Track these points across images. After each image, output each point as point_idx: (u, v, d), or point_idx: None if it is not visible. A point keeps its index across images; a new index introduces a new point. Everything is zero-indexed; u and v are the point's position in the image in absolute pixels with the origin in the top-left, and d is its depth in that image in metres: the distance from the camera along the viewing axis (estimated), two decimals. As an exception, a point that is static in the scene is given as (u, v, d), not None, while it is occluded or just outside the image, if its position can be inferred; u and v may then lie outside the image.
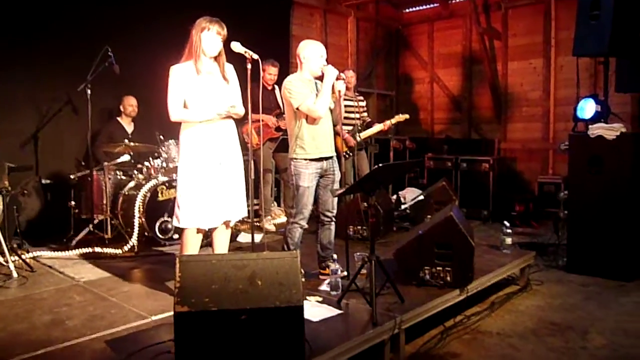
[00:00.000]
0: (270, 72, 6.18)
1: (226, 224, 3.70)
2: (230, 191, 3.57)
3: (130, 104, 5.98)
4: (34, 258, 4.73)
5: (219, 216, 3.56)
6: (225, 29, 3.52)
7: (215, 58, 3.58)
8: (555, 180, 7.63)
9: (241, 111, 3.58)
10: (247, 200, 3.68)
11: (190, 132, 3.53)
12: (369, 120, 6.48)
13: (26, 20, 5.48)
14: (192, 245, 3.59)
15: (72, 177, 5.47)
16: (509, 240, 4.70)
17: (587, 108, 5.04)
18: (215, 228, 3.67)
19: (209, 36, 3.47)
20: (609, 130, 4.67)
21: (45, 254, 4.91)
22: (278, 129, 6.17)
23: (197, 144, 3.50)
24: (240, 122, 6.18)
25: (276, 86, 6.27)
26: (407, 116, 6.29)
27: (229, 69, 3.66)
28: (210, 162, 3.50)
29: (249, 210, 3.79)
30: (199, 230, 3.59)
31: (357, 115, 6.20)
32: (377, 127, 6.20)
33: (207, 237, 3.76)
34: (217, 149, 3.54)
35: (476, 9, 8.44)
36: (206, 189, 3.49)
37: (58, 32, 5.64)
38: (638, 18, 4.92)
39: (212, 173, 3.50)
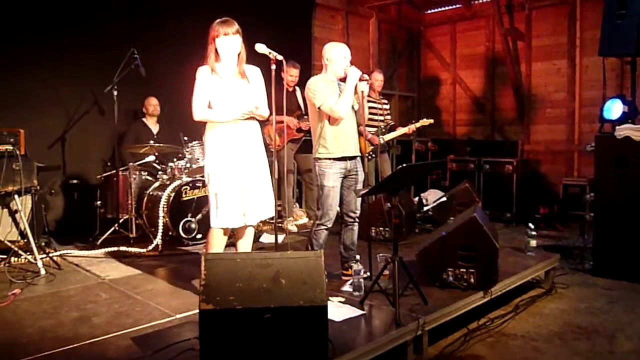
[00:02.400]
0: (291, 74, 6.20)
1: (252, 225, 3.72)
2: (256, 191, 3.59)
3: (151, 103, 6.08)
4: (61, 256, 4.82)
5: (246, 216, 3.57)
6: (236, 25, 3.51)
7: (237, 56, 3.59)
8: (580, 182, 7.52)
9: (265, 112, 3.60)
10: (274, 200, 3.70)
11: (215, 133, 3.56)
12: (392, 123, 6.47)
13: (54, 22, 5.59)
14: (218, 244, 3.62)
15: (98, 177, 5.57)
16: (533, 243, 4.64)
17: (614, 109, 4.96)
18: (240, 228, 3.69)
19: (222, 41, 3.48)
20: (636, 131, 4.59)
21: (72, 252, 5.01)
22: (299, 130, 6.20)
23: (222, 144, 3.53)
24: (262, 123, 6.24)
25: (297, 88, 6.30)
26: (431, 121, 6.26)
27: (254, 70, 3.67)
28: (235, 162, 3.52)
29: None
30: (225, 231, 3.62)
31: (381, 118, 6.20)
32: (401, 131, 6.20)
33: (231, 237, 3.78)
34: (242, 149, 3.56)
35: (499, 9, 8.37)
36: (233, 189, 3.51)
37: (84, 34, 5.75)
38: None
39: (237, 173, 3.52)
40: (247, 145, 3.60)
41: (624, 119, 4.88)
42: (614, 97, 5.07)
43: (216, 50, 3.51)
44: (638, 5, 4.57)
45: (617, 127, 4.76)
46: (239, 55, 3.58)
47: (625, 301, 4.16)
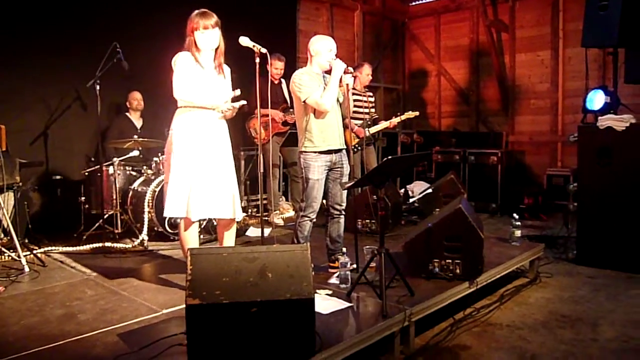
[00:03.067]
0: (276, 67, 6.18)
1: (232, 220, 3.69)
2: (222, 186, 3.55)
3: (135, 98, 6.02)
4: (45, 253, 4.78)
5: (209, 209, 3.52)
6: (215, 17, 3.46)
7: (215, 50, 3.55)
8: (564, 172, 7.61)
9: (232, 112, 3.57)
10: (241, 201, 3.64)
11: (183, 119, 3.50)
12: (377, 116, 6.47)
13: (34, 17, 5.51)
14: (191, 237, 3.58)
15: (82, 172, 5.51)
16: (518, 233, 4.69)
17: (597, 99, 5.02)
18: (220, 223, 3.66)
19: (202, 35, 3.44)
20: (618, 122, 4.64)
21: (56, 248, 4.95)
22: (285, 123, 6.18)
23: (190, 133, 3.48)
24: (247, 116, 6.22)
25: (283, 80, 6.28)
26: (416, 113, 6.28)
27: (226, 68, 3.65)
28: (201, 153, 3.48)
29: (257, 205, 3.80)
30: (191, 222, 3.56)
31: (366, 110, 6.20)
32: (386, 123, 6.21)
33: (214, 233, 3.77)
34: (212, 140, 3.53)
35: (483, 1, 8.41)
36: (196, 180, 3.46)
37: (65, 28, 5.68)
38: (647, 8, 4.89)
39: (202, 164, 3.48)
40: (218, 140, 3.58)
41: (606, 110, 4.93)
42: (596, 88, 5.13)
43: (195, 42, 3.47)
44: (619, -4, 4.62)
45: (599, 118, 4.82)
46: (217, 48, 3.54)
47: (608, 289, 4.22)
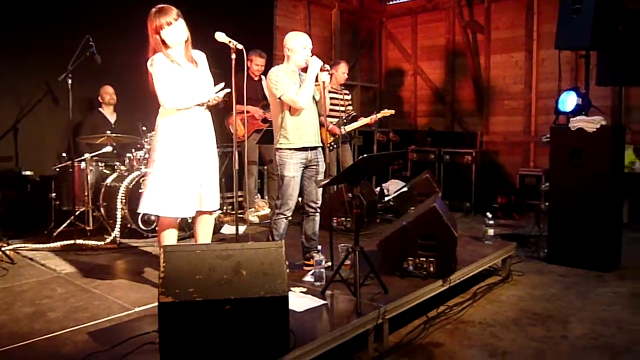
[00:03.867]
0: (257, 63, 6.16)
1: (208, 213, 3.66)
2: (208, 181, 3.54)
3: (107, 92, 5.94)
4: (14, 250, 4.67)
5: (194, 206, 3.50)
6: (175, 9, 3.39)
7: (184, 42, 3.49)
8: (536, 172, 7.73)
9: (218, 96, 3.53)
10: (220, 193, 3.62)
11: (172, 120, 3.46)
12: (354, 113, 6.49)
13: (4, 10, 5.38)
14: (169, 235, 3.55)
15: (53, 168, 5.41)
16: (491, 232, 4.74)
17: (568, 101, 5.10)
18: (198, 218, 3.64)
19: (169, 32, 3.37)
20: (589, 123, 4.73)
21: (25, 245, 4.85)
22: (265, 120, 6.15)
23: (177, 132, 3.44)
24: (225, 113, 6.15)
25: (263, 77, 6.25)
26: (392, 111, 6.30)
27: (200, 55, 3.59)
28: (188, 151, 3.45)
29: (232, 202, 3.78)
30: (168, 223, 3.53)
31: (342, 108, 6.20)
32: (363, 121, 6.21)
33: (190, 229, 3.73)
34: (199, 138, 3.50)
35: (459, 2, 8.50)
36: (184, 178, 3.43)
37: (37, 21, 5.56)
38: (618, 12, 4.99)
39: (190, 162, 3.45)
40: (203, 134, 3.56)
41: (577, 111, 5.02)
42: (568, 89, 5.21)
43: (163, 41, 3.39)
44: (592, 0, 4.69)
45: (571, 119, 4.90)
46: (186, 40, 3.49)
47: (578, 287, 4.30)
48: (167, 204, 3.41)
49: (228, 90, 3.49)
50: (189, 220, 3.64)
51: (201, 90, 3.49)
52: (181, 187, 3.43)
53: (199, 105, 3.49)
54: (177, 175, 3.42)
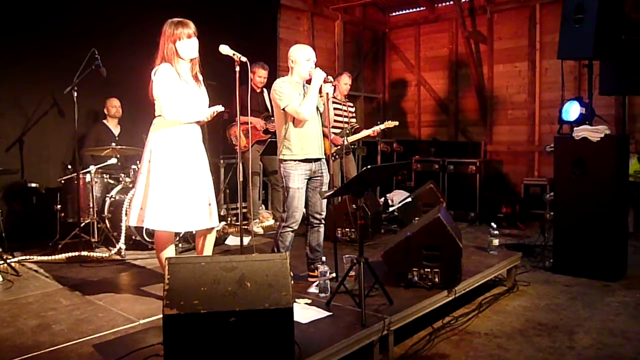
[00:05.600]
0: (260, 75, 6.19)
1: (210, 229, 3.66)
2: (202, 196, 3.53)
3: (114, 105, 5.97)
4: (19, 262, 4.69)
5: (203, 220, 3.52)
6: (193, 25, 3.45)
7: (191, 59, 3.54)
8: (540, 182, 7.72)
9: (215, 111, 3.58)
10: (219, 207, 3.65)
11: (162, 129, 3.47)
12: (357, 126, 6.50)
13: (11, 23, 5.44)
14: (169, 252, 3.56)
15: (58, 180, 5.43)
16: (496, 242, 4.73)
17: (572, 110, 5.10)
18: (203, 233, 3.64)
19: (186, 44, 3.42)
20: (593, 133, 4.72)
21: (30, 257, 4.86)
22: (266, 131, 6.17)
23: (170, 145, 3.46)
24: (228, 124, 6.19)
25: (265, 89, 6.28)
26: (396, 123, 6.29)
27: (199, 76, 3.64)
28: (181, 165, 3.46)
29: (237, 213, 3.79)
30: (168, 237, 3.54)
31: (345, 120, 6.22)
32: (365, 132, 6.22)
33: (192, 242, 3.74)
34: (188, 152, 3.52)
35: (462, 12, 8.52)
36: (178, 192, 3.43)
37: (43, 34, 5.61)
38: (621, 21, 5.00)
39: (183, 175, 3.46)
40: (200, 149, 3.59)
41: (581, 121, 5.02)
42: (572, 99, 5.22)
43: (177, 51, 3.43)
44: (595, 10, 4.71)
45: (575, 129, 4.90)
46: (193, 59, 3.52)
47: (584, 297, 4.28)
48: (177, 218, 3.42)
49: (221, 108, 3.54)
50: (193, 232, 3.64)
51: (202, 109, 3.53)
52: (191, 201, 3.45)
53: (197, 122, 3.52)
54: (175, 189, 3.43)
